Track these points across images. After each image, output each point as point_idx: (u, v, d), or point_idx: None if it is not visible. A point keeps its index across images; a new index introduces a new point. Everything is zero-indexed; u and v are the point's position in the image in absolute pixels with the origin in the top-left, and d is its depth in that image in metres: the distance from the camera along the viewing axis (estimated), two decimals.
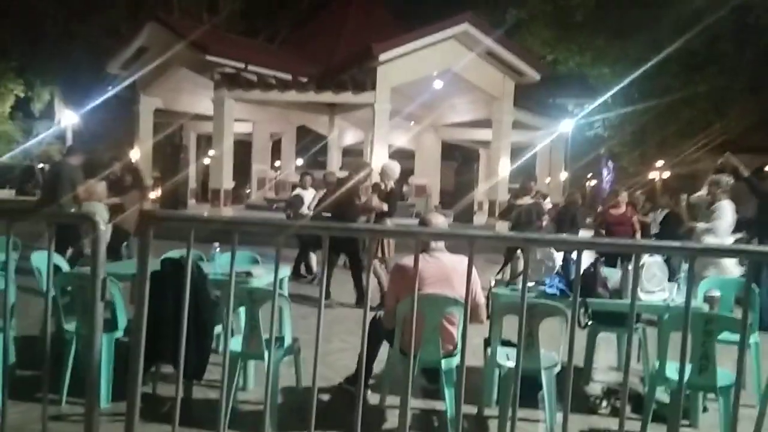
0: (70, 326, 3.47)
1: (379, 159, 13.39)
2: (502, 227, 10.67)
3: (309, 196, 8.45)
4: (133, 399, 2.11)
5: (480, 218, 15.87)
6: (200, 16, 23.24)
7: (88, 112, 21.14)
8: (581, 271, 3.77)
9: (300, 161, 22.89)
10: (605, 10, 19.75)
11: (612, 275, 3.74)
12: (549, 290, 3.54)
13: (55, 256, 4.43)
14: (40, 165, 31.42)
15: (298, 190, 8.95)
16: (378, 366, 3.74)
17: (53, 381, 3.40)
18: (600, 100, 19.33)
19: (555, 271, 3.61)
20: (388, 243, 6.21)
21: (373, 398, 3.72)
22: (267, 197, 17.86)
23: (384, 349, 3.60)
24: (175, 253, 3.76)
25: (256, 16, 25.27)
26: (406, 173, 19.73)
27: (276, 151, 20.79)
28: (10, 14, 23.34)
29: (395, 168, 6.91)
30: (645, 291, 3.54)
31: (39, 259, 3.84)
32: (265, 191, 18.19)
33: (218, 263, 4.24)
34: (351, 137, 19.82)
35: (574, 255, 5.35)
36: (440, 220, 3.39)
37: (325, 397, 3.81)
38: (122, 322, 3.58)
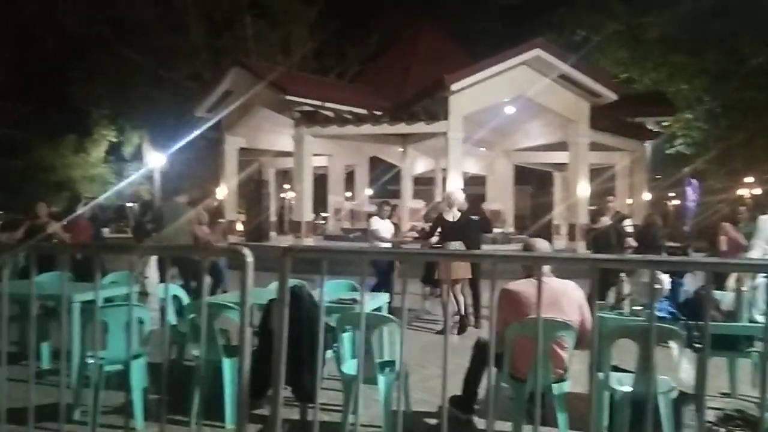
0: (196, 352, 3.74)
1: (452, 186, 13.52)
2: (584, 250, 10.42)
3: (386, 226, 8.42)
4: (275, 419, 2.28)
5: (559, 242, 15.56)
6: (275, 58, 24.42)
7: (174, 153, 22.46)
8: (691, 294, 3.72)
9: (369, 191, 23.36)
10: (681, 25, 19.23)
11: (724, 298, 3.64)
12: (659, 313, 3.49)
13: (174, 288, 4.80)
14: (130, 204, 33.57)
15: (375, 220, 8.78)
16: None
17: (182, 404, 3.67)
18: (679, 117, 18.69)
19: (663, 295, 3.56)
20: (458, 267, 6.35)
21: (480, 423, 3.76)
22: (343, 227, 18.32)
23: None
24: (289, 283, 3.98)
25: (328, 55, 26.27)
26: (478, 200, 19.71)
27: (349, 182, 21.33)
28: (104, 66, 25.41)
29: (459, 196, 7.02)
30: (762, 313, 3.42)
31: (162, 291, 4.17)
32: (342, 221, 18.66)
33: (324, 291, 4.43)
34: (422, 166, 20.06)
35: (685, 279, 5.21)
36: (544, 245, 3.44)
37: (432, 421, 3.88)
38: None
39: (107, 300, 4.63)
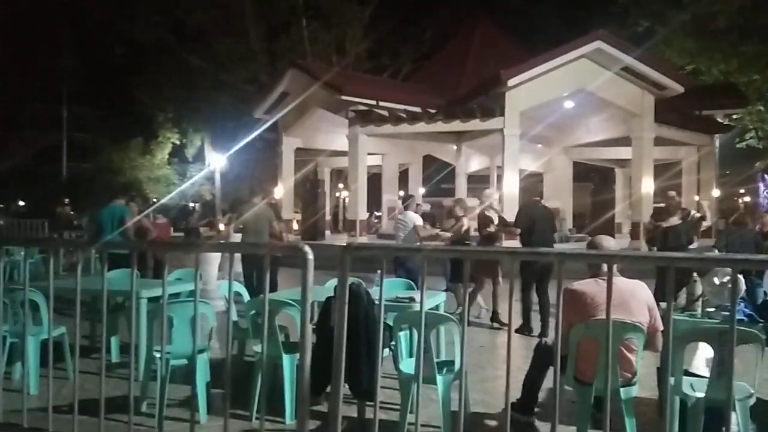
0: (257, 348, 3.80)
1: (509, 184, 13.28)
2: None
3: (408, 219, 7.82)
4: (335, 416, 2.28)
5: (622, 241, 15.03)
6: (330, 59, 24.69)
7: (233, 154, 23.10)
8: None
9: (422, 189, 23.29)
10: (751, 12, 18.20)
11: None
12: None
13: (237, 285, 4.91)
14: (192, 204, 34.74)
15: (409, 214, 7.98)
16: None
17: (243, 399, 3.74)
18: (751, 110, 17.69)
19: (740, 296, 3.35)
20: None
21: (543, 427, 3.65)
22: None
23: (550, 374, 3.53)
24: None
25: (381, 54, 26.34)
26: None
27: (403, 181, 21.33)
28: (167, 71, 26.41)
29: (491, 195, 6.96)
30: None
31: (225, 287, 4.26)
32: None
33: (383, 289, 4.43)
34: (476, 163, 19.81)
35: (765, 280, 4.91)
36: (611, 243, 3.31)
37: (492, 423, 3.81)
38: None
39: (173, 296, 4.79)
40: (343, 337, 2.28)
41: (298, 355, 3.82)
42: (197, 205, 30.37)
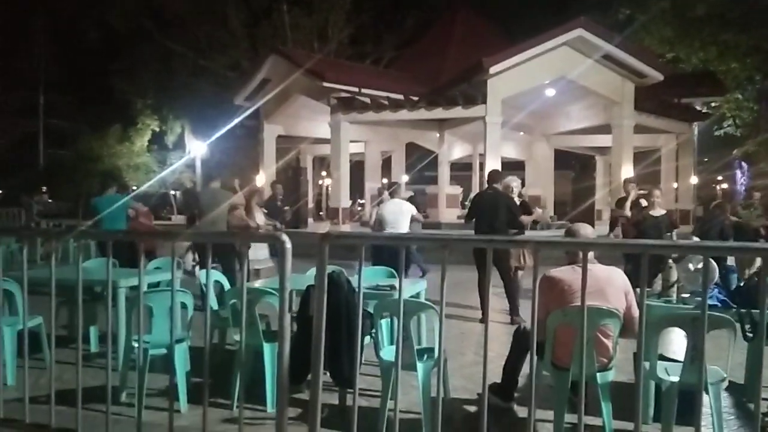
0: (236, 337, 3.79)
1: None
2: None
3: (396, 206, 7.52)
4: (315, 404, 2.29)
5: (601, 228, 15.21)
6: (312, 45, 24.47)
7: (214, 141, 22.85)
8: (742, 282, 3.57)
9: (407, 177, 23.29)
10: (729, 2, 18.39)
11: None
12: (708, 301, 3.35)
13: (216, 274, 4.88)
14: (173, 192, 34.36)
15: (374, 211, 7.93)
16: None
17: (224, 388, 3.74)
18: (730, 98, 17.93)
19: (714, 282, 3.42)
20: (523, 253, 6.18)
21: (521, 411, 3.71)
22: None
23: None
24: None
25: (364, 41, 26.17)
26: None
27: (386, 169, 21.30)
28: (146, 57, 25.98)
29: (512, 182, 6.82)
30: None
31: (203, 276, 4.23)
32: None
33: (363, 277, 4.43)
34: (459, 151, 19.86)
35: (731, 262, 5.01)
36: (588, 231, 3.35)
37: (471, 408, 3.85)
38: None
39: (152, 285, 4.75)
40: (321, 326, 2.28)
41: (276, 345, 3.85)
42: (178, 192, 30.08)
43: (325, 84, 13.64)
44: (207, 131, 22.89)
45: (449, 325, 6.22)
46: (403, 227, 7.03)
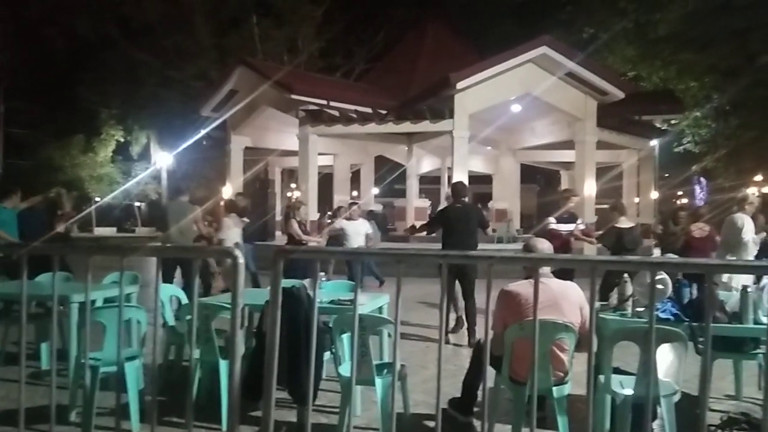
0: (195, 354, 3.70)
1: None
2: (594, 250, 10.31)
3: (359, 226, 8.35)
4: (267, 421, 2.25)
5: None
6: (282, 57, 24.41)
7: (181, 152, 22.55)
8: (695, 295, 3.65)
9: (376, 190, 23.34)
10: (689, 22, 19.04)
11: (729, 299, 3.57)
12: (662, 315, 3.42)
13: (174, 289, 4.78)
14: (137, 204, 33.69)
15: (342, 223, 8.56)
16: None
17: (180, 405, 3.65)
18: (689, 115, 18.50)
19: (666, 295, 3.49)
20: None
21: (479, 426, 3.70)
22: None
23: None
24: (285, 283, 3.95)
25: (334, 54, 26.23)
26: (485, 198, 19.63)
27: (355, 181, 21.30)
28: (112, 66, 25.53)
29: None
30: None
31: (163, 291, 4.14)
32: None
33: (324, 291, 4.40)
34: (428, 164, 20.01)
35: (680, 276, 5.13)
36: (545, 246, 3.39)
37: (431, 423, 3.83)
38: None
39: (108, 300, 4.61)
40: (274, 341, 2.25)
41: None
42: (142, 204, 29.53)
43: (293, 96, 13.61)
44: (173, 142, 22.59)
45: (413, 340, 6.22)
46: (360, 243, 7.92)
